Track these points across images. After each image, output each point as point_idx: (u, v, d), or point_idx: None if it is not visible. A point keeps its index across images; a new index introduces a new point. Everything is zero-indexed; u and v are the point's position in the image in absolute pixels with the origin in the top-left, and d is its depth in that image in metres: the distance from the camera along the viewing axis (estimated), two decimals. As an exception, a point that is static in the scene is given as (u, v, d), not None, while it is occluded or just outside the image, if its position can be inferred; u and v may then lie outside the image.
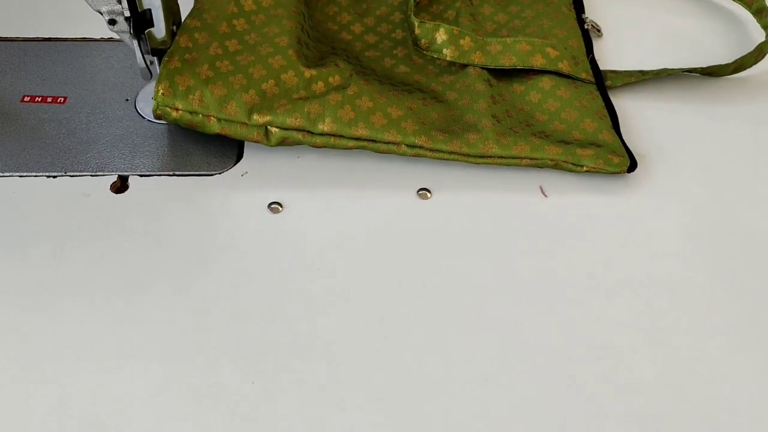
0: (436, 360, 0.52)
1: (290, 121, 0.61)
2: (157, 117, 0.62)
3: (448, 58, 0.70)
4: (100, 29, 0.73)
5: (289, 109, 0.61)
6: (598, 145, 0.63)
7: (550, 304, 0.55)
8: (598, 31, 0.79)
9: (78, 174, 0.63)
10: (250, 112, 0.61)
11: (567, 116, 0.66)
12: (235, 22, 0.66)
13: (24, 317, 0.53)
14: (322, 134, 0.62)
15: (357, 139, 0.62)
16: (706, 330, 0.54)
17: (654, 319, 0.55)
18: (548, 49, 0.70)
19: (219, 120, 0.61)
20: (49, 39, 0.75)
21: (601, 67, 0.74)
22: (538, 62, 0.70)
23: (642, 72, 0.73)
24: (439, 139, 0.62)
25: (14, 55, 0.73)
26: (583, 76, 0.71)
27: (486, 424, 0.49)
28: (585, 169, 0.63)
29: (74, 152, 0.64)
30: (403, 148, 0.63)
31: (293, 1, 0.70)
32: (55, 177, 0.63)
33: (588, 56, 0.74)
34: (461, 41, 0.70)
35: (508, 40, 0.71)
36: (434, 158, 0.63)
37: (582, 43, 0.75)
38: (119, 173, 0.63)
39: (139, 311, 0.54)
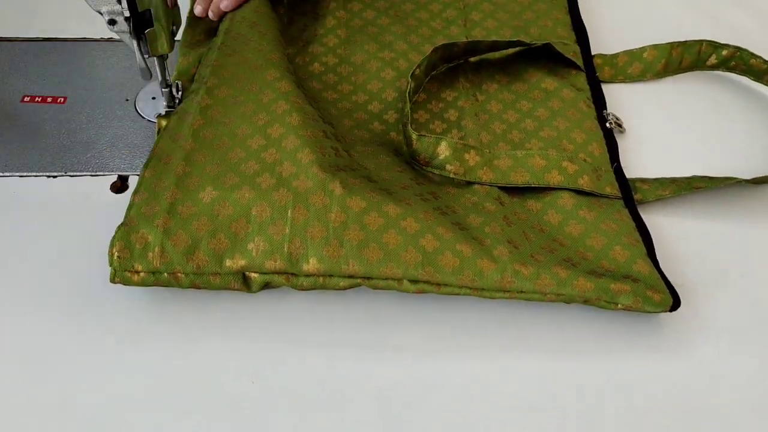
0: None
1: (269, 264, 0.52)
2: (115, 283, 0.53)
3: (452, 176, 0.61)
4: (100, 29, 0.73)
5: (266, 250, 0.52)
6: (634, 279, 0.53)
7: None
8: (620, 126, 0.68)
9: (78, 174, 0.63)
10: (221, 259, 0.53)
11: (594, 243, 0.56)
12: (192, 155, 0.57)
13: (24, 317, 0.53)
14: (308, 275, 0.53)
15: (350, 277, 0.53)
16: None
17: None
18: (565, 164, 0.61)
19: (187, 275, 0.53)
20: (49, 39, 0.75)
21: (628, 175, 0.64)
22: (554, 179, 0.60)
23: (674, 181, 0.63)
24: (446, 270, 0.52)
25: (14, 55, 0.73)
26: (608, 190, 0.61)
27: None
28: (620, 306, 0.53)
29: (74, 152, 0.64)
30: (405, 284, 0.53)
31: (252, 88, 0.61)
32: (55, 177, 0.63)
33: (613, 165, 0.64)
34: (466, 155, 0.61)
35: (518, 153, 0.61)
36: (441, 294, 0.54)
37: (605, 147, 0.65)
38: (119, 173, 0.63)
39: (139, 310, 0.54)
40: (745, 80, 0.74)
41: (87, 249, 0.57)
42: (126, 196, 0.61)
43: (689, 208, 0.63)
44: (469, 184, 0.60)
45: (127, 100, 0.69)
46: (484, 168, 0.61)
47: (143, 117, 0.68)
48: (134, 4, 0.56)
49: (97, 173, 0.63)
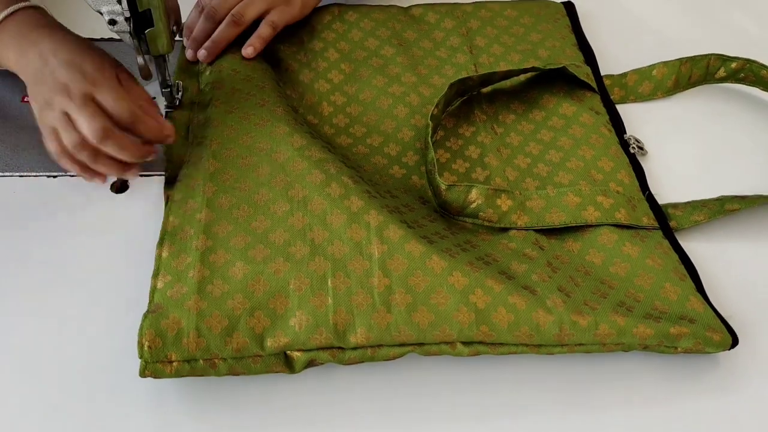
0: None
1: (314, 340, 0.48)
2: (145, 377, 0.48)
3: (486, 224, 0.58)
4: (100, 29, 0.73)
5: (311, 324, 0.49)
6: (691, 320, 0.52)
7: None
8: (642, 149, 0.67)
9: (78, 174, 0.63)
10: (261, 339, 0.49)
11: (642, 282, 0.54)
12: (211, 227, 0.53)
13: (24, 317, 0.53)
14: (355, 348, 0.49)
15: (401, 345, 0.50)
16: None
17: None
18: (600, 198, 0.59)
19: (225, 360, 0.49)
20: (50, 39, 0.75)
21: (659, 200, 0.62)
22: (592, 217, 0.58)
23: (706, 204, 0.61)
24: (502, 327, 0.49)
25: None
26: (645, 221, 0.59)
27: None
28: (680, 350, 0.52)
29: (74, 152, 0.64)
30: (459, 347, 0.50)
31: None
32: (55, 177, 0.63)
33: (644, 193, 0.62)
34: (498, 201, 0.58)
35: (551, 192, 0.59)
36: (497, 354, 0.50)
37: (632, 174, 0.63)
38: (119, 173, 0.63)
39: (139, 310, 0.54)
40: (754, 90, 0.73)
41: (87, 249, 0.57)
42: (126, 196, 0.61)
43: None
44: (504, 230, 0.58)
45: (127, 100, 0.69)
46: (518, 212, 0.58)
47: (143, 117, 0.68)
48: (134, 4, 0.56)
49: (97, 173, 0.63)
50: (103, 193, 0.62)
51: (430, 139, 0.61)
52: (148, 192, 0.62)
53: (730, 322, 0.53)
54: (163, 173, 0.62)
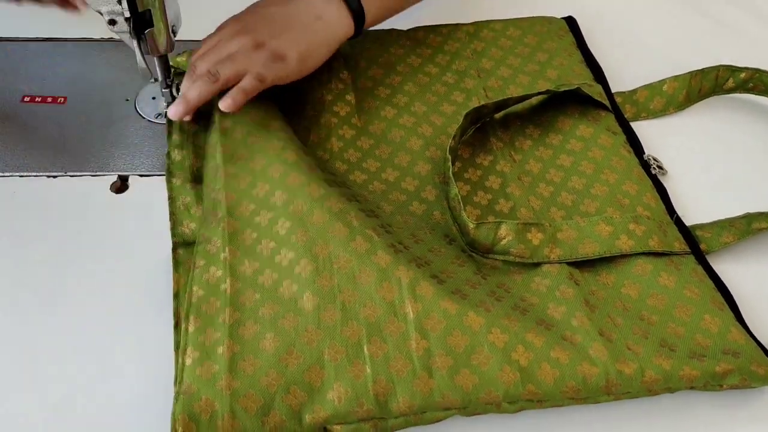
0: None
1: (357, 412, 0.46)
2: None
3: (517, 260, 0.55)
4: (100, 29, 0.73)
5: (350, 396, 0.46)
6: (735, 353, 0.50)
7: None
8: (661, 168, 0.65)
9: (78, 174, 0.63)
10: (299, 416, 0.46)
11: (682, 314, 0.52)
12: (236, 298, 0.50)
13: (24, 317, 0.53)
14: (398, 417, 0.47)
15: (446, 409, 0.47)
16: None
17: None
18: (632, 226, 0.56)
19: None
20: (49, 39, 0.75)
21: (684, 222, 0.60)
22: (626, 246, 0.55)
23: (733, 224, 0.60)
24: (548, 384, 0.47)
25: (14, 55, 0.73)
26: (677, 247, 0.57)
27: None
28: (725, 387, 0.50)
29: (74, 152, 0.64)
30: (504, 405, 0.48)
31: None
32: (55, 177, 0.63)
33: (672, 216, 0.60)
34: (528, 235, 0.55)
35: (581, 222, 0.57)
36: (543, 408, 0.48)
37: (657, 196, 0.61)
38: (119, 173, 0.63)
39: (139, 310, 0.54)
40: (763, 100, 0.72)
41: (87, 249, 0.57)
42: (126, 197, 0.61)
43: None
44: (537, 265, 0.55)
45: (127, 100, 0.69)
46: (550, 245, 0.55)
47: (143, 117, 0.68)
48: (134, 4, 0.56)
49: (97, 173, 0.63)
50: (103, 193, 0.62)
51: (450, 173, 0.59)
52: (148, 192, 0.62)
53: None
54: (163, 174, 0.62)
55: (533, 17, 0.78)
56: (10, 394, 0.50)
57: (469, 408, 0.47)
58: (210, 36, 0.64)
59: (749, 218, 0.60)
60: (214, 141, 0.59)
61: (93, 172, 0.63)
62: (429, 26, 0.76)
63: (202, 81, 0.59)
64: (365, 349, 0.47)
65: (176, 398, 0.46)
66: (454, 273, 0.53)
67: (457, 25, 0.77)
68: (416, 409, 0.46)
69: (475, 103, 0.63)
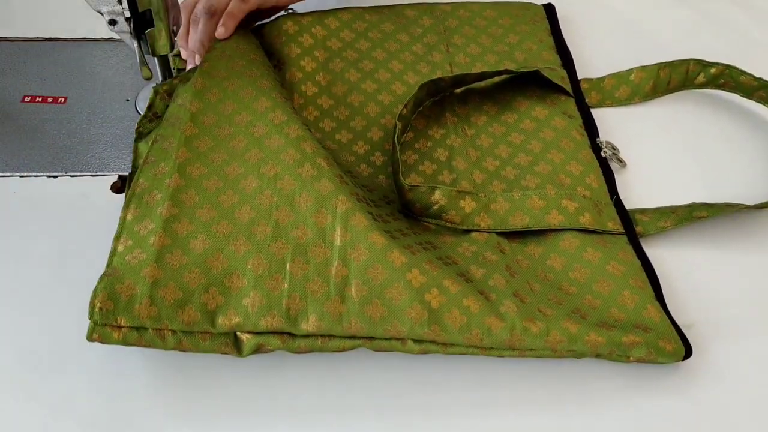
0: None
1: (265, 322, 0.48)
2: (93, 341, 0.48)
3: (448, 225, 0.58)
4: (100, 29, 0.73)
5: (263, 305, 0.48)
6: (645, 329, 0.51)
7: None
8: (616, 154, 0.66)
9: (78, 174, 0.63)
10: (213, 316, 0.49)
11: (601, 288, 0.53)
12: (179, 194, 0.52)
13: (24, 317, 0.53)
14: (306, 336, 0.49)
15: (351, 337, 0.50)
16: None
17: None
18: (565, 202, 0.58)
19: (174, 332, 0.48)
20: (49, 39, 0.75)
21: (625, 206, 0.61)
22: (555, 220, 0.57)
23: (675, 211, 0.61)
24: (453, 328, 0.49)
25: (15, 56, 0.73)
26: (610, 226, 0.59)
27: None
28: (632, 359, 0.51)
29: (74, 152, 0.64)
30: (409, 344, 0.50)
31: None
32: (55, 177, 0.63)
33: (612, 198, 0.61)
34: (461, 203, 0.58)
35: (515, 195, 0.59)
36: (447, 354, 0.51)
37: (602, 178, 0.63)
38: (119, 173, 0.63)
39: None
40: (733, 97, 0.73)
41: (87, 249, 0.57)
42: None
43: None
44: (467, 232, 0.57)
45: (128, 100, 0.69)
46: (481, 214, 0.58)
47: (143, 117, 0.68)
48: (134, 4, 0.56)
49: (97, 173, 0.63)
50: (103, 193, 0.62)
51: (396, 139, 0.60)
52: (148, 192, 0.62)
53: (690, 332, 0.53)
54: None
55: (512, 2, 0.79)
56: (10, 394, 0.50)
57: (375, 341, 0.49)
58: None
59: (692, 207, 0.61)
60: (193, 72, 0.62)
61: (93, 172, 0.63)
62: (407, 4, 0.77)
63: (202, 21, 0.65)
64: (287, 266, 0.50)
65: (101, 279, 0.48)
66: (388, 221, 0.55)
67: (434, 3, 0.78)
68: (323, 329, 0.48)
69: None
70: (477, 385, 0.51)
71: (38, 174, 0.63)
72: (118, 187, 0.62)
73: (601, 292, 0.53)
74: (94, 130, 0.67)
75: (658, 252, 0.59)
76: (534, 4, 0.80)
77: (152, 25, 0.58)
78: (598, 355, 0.51)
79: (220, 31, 0.64)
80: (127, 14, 0.57)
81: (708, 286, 0.57)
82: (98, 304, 0.47)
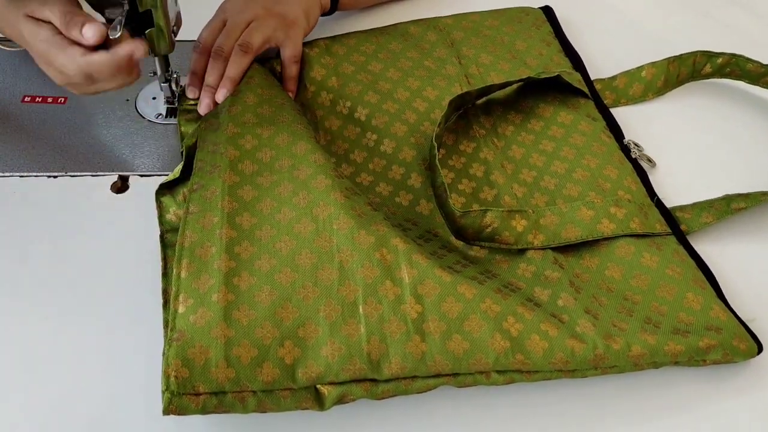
0: None
1: (347, 371, 0.46)
2: (169, 413, 0.44)
3: (503, 247, 0.56)
4: (100, 29, 0.73)
5: (344, 354, 0.46)
6: (717, 330, 0.51)
7: None
8: (650, 161, 0.66)
9: (78, 174, 0.63)
10: (293, 370, 0.46)
11: (665, 293, 0.53)
12: (233, 246, 0.49)
13: (24, 317, 0.53)
14: (388, 380, 0.47)
15: (435, 376, 0.47)
16: None
17: None
18: (613, 209, 0.57)
19: (254, 393, 0.45)
20: (50, 39, 0.75)
21: (665, 204, 0.61)
22: (607, 229, 0.56)
23: (712, 205, 0.61)
24: (537, 355, 0.47)
25: (15, 56, 0.73)
26: (658, 228, 0.58)
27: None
28: (708, 362, 0.51)
29: (74, 152, 0.64)
30: (494, 376, 0.48)
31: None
32: (55, 177, 0.63)
33: (653, 199, 0.61)
34: (513, 222, 0.56)
35: (563, 207, 0.58)
36: (531, 381, 0.49)
37: (638, 180, 0.62)
38: (119, 173, 0.63)
39: (139, 310, 0.54)
40: (740, 84, 0.73)
41: (87, 249, 0.57)
42: (126, 197, 0.61)
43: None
44: (521, 252, 0.56)
45: (127, 100, 0.69)
46: (533, 231, 0.56)
47: (143, 117, 0.68)
48: (134, 4, 0.56)
49: (97, 173, 0.63)
50: (103, 193, 0.62)
51: (437, 161, 0.59)
52: (148, 192, 0.61)
53: (753, 326, 0.52)
54: (163, 174, 0.62)
55: (510, 8, 0.79)
56: (11, 394, 0.50)
57: (459, 377, 0.48)
58: (212, 19, 0.67)
59: (728, 199, 0.61)
60: (220, 109, 0.61)
61: (93, 172, 0.63)
62: (409, 21, 0.77)
63: (235, 55, 0.64)
64: (360, 309, 0.47)
65: (168, 344, 0.45)
66: (443, 256, 0.54)
67: (435, 17, 0.78)
68: (407, 371, 0.46)
69: (457, 90, 0.64)
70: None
71: (38, 174, 0.63)
72: (118, 187, 0.62)
73: (666, 297, 0.53)
74: (93, 130, 0.67)
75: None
76: (531, 8, 0.80)
77: (152, 25, 0.58)
78: (676, 363, 0.51)
79: (219, 96, 0.63)
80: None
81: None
82: (173, 373, 0.43)
